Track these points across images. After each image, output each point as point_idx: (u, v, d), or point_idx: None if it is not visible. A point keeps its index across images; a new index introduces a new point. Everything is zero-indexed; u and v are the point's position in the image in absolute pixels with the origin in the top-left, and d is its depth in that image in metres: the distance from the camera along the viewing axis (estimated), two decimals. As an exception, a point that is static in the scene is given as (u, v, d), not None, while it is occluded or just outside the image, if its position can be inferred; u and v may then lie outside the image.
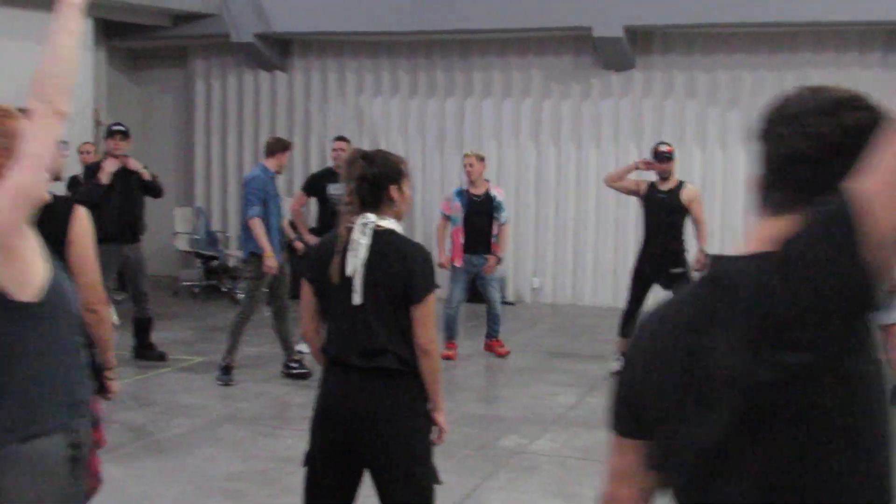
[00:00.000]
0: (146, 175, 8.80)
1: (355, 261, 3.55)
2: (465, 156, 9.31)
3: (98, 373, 3.65)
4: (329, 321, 3.71)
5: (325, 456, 3.64)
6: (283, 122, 13.79)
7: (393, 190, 3.64)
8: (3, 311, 2.67)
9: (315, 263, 3.70)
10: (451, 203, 9.23)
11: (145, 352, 8.91)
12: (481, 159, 9.18)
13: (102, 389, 3.69)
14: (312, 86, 13.73)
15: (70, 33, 2.73)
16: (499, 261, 9.25)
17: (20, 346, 2.71)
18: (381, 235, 3.58)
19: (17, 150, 2.63)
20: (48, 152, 2.64)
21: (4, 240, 2.61)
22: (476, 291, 9.48)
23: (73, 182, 10.04)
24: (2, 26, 11.66)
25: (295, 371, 8.27)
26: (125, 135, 8.72)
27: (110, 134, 8.75)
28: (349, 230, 3.59)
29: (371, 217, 3.58)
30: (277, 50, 13.67)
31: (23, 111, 2.77)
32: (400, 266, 3.55)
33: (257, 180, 8.20)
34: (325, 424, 3.65)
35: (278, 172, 8.40)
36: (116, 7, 12.84)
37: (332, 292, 3.64)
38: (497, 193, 9.24)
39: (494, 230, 9.10)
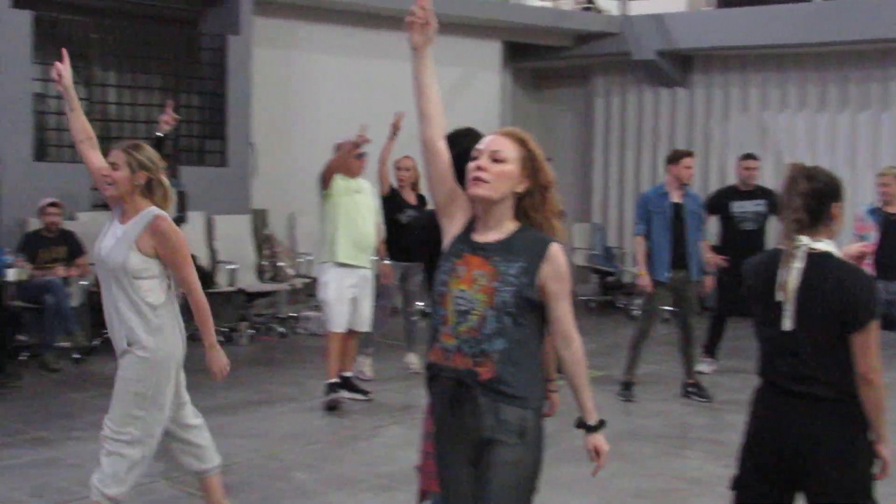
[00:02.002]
0: None
1: (787, 285, 3.40)
2: (881, 175, 8.67)
3: None
4: (761, 342, 3.59)
5: (757, 481, 3.51)
6: (682, 139, 13.63)
7: (835, 207, 3.47)
8: None
9: (752, 283, 3.58)
10: (864, 222, 8.62)
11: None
12: None
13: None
14: (713, 101, 13.48)
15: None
16: None
17: None
18: (815, 259, 3.40)
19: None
20: None
21: None
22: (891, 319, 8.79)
23: None
24: (383, 48, 12.48)
25: (692, 393, 8.10)
26: None
27: None
28: (788, 250, 3.44)
29: (804, 240, 3.41)
30: (678, 66, 13.56)
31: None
32: (837, 292, 3.34)
33: (642, 198, 8.26)
34: (758, 449, 3.52)
35: (684, 184, 8.08)
36: (523, 30, 13.34)
37: (764, 313, 3.51)
38: None
39: None
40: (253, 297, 10.45)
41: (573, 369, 3.22)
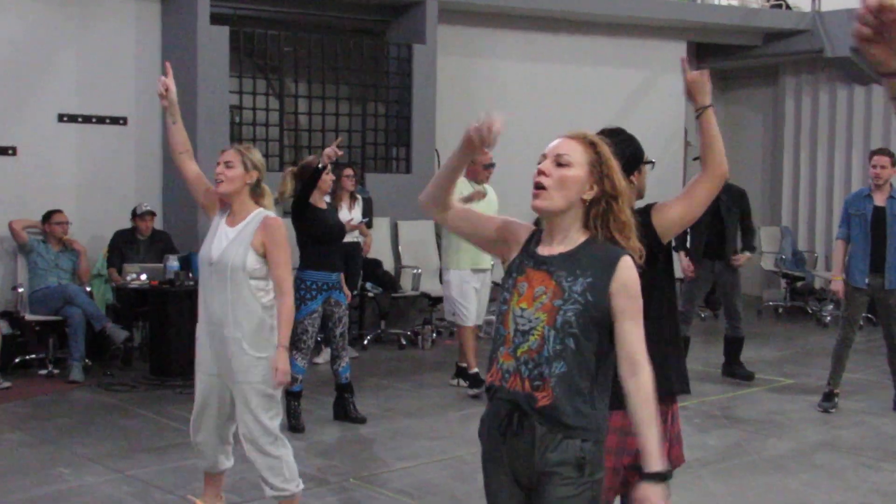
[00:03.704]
0: None
1: None
2: None
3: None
4: None
5: None
6: (879, 139, 13.04)
7: None
8: None
9: None
10: None
11: (734, 369, 8.89)
12: None
13: None
14: (914, 98, 12.83)
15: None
16: None
17: None
18: None
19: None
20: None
21: None
22: None
23: None
24: (564, 52, 12.40)
25: None
26: None
27: None
28: None
29: None
30: (876, 63, 12.97)
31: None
32: None
33: (846, 199, 8.04)
34: None
35: (877, 185, 7.67)
36: (710, 30, 13.06)
37: None
38: None
39: None
40: (436, 301, 10.60)
41: (637, 402, 2.77)
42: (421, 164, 10.92)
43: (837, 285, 7.69)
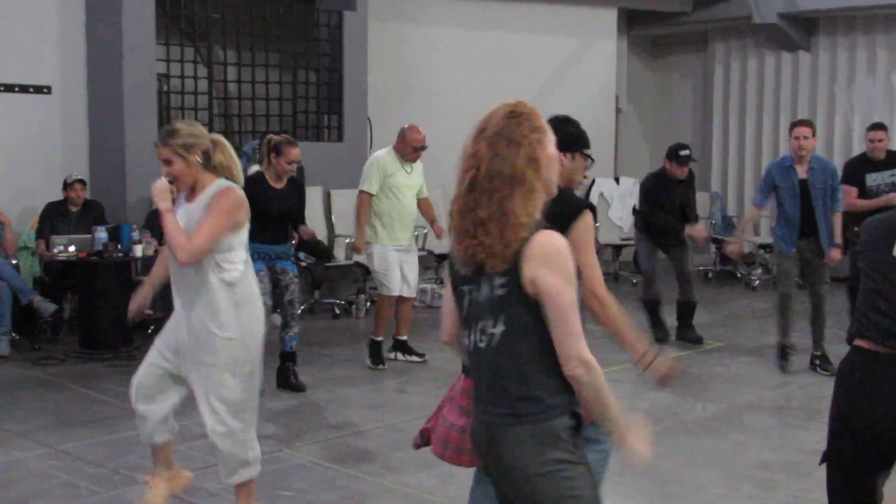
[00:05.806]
0: None
1: None
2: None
3: None
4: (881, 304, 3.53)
5: (859, 455, 3.46)
6: (806, 105, 13.27)
7: None
8: None
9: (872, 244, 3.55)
10: None
11: (685, 333, 9.02)
12: None
13: None
14: (838, 65, 13.05)
15: None
16: None
17: None
18: None
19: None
20: None
21: None
22: None
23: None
24: (497, 20, 12.38)
25: (818, 365, 7.88)
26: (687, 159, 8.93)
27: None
28: None
29: None
30: (802, 29, 13.16)
31: None
32: None
33: (767, 170, 8.14)
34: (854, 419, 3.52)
35: (799, 156, 7.78)
36: (641, -4, 13.14)
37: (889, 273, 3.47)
38: None
39: None
40: (370, 270, 10.55)
41: None
42: (353, 132, 10.85)
43: (734, 248, 8.06)
